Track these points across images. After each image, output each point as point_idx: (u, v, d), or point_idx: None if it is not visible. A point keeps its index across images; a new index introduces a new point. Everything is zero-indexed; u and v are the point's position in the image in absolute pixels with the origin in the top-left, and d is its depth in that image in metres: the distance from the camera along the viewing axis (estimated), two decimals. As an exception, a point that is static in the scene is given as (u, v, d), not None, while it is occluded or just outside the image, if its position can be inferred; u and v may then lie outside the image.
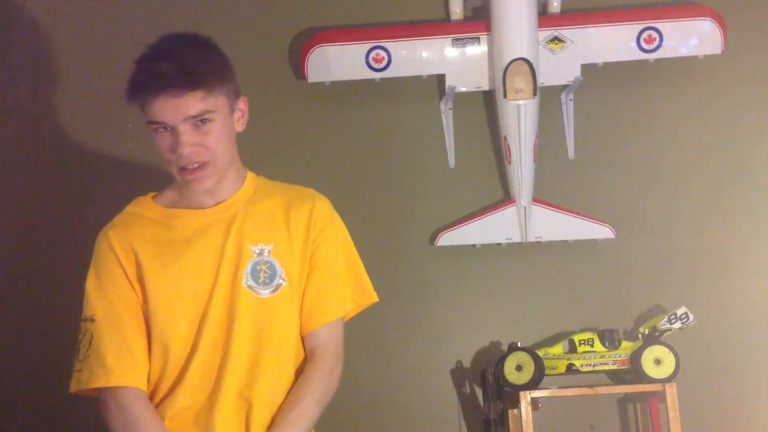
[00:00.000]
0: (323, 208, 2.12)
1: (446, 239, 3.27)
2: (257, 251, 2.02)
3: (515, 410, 3.04)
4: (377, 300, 2.18)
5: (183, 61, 1.94)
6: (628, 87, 3.38)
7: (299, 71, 3.30)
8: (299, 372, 2.06)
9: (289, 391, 2.02)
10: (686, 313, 3.05)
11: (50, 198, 3.36)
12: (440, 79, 3.34)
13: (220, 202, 2.06)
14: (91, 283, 2.03)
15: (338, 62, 3.28)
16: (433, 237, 3.30)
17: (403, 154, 3.40)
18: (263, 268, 2.02)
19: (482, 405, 3.17)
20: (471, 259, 3.33)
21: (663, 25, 3.25)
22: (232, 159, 2.07)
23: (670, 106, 3.39)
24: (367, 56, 3.28)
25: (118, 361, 1.97)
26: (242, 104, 2.07)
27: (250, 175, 2.13)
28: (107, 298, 2.01)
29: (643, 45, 3.26)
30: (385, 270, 3.32)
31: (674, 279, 3.32)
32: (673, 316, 3.05)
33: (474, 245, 3.30)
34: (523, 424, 2.98)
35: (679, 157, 3.37)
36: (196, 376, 1.97)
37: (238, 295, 1.99)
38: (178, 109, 1.93)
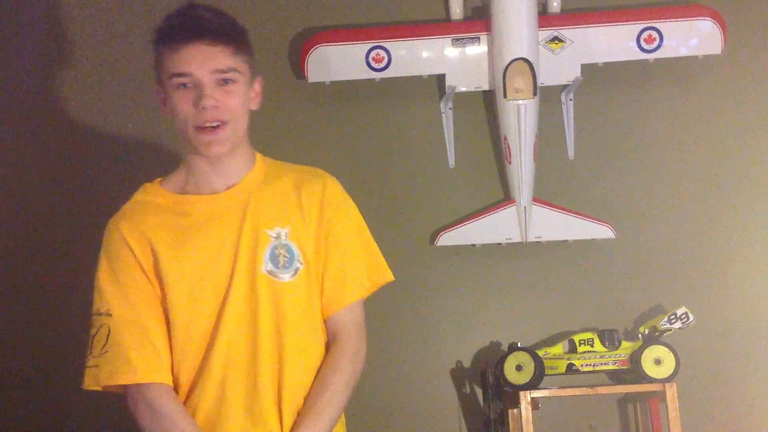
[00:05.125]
0: (335, 188, 2.10)
1: (446, 239, 3.27)
2: (274, 235, 2.00)
3: (515, 410, 3.04)
4: (393, 279, 2.14)
5: (220, 14, 1.98)
6: (628, 87, 3.38)
7: (299, 71, 3.30)
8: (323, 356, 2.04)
9: (315, 376, 2.00)
10: (686, 313, 3.05)
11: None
12: (440, 79, 3.34)
13: (231, 186, 2.03)
14: (104, 276, 1.99)
15: (338, 62, 3.28)
16: (433, 237, 3.30)
17: (403, 154, 3.40)
18: (282, 252, 1.99)
19: (482, 405, 3.17)
20: (471, 259, 3.33)
21: (663, 25, 3.25)
22: (245, 133, 2.05)
23: (670, 106, 3.39)
24: (367, 56, 3.28)
25: (142, 357, 1.94)
26: (258, 85, 2.06)
27: (259, 156, 2.11)
28: (124, 291, 1.97)
29: (643, 45, 3.26)
30: (385, 270, 3.33)
31: (674, 279, 3.32)
32: (673, 316, 3.05)
33: (474, 245, 3.30)
34: (523, 424, 2.98)
35: (679, 156, 3.37)
36: (220, 366, 1.94)
37: (258, 281, 1.97)
38: (209, 59, 1.93)
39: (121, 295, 1.97)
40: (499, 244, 3.29)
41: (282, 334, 1.97)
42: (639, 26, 3.26)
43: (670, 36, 3.25)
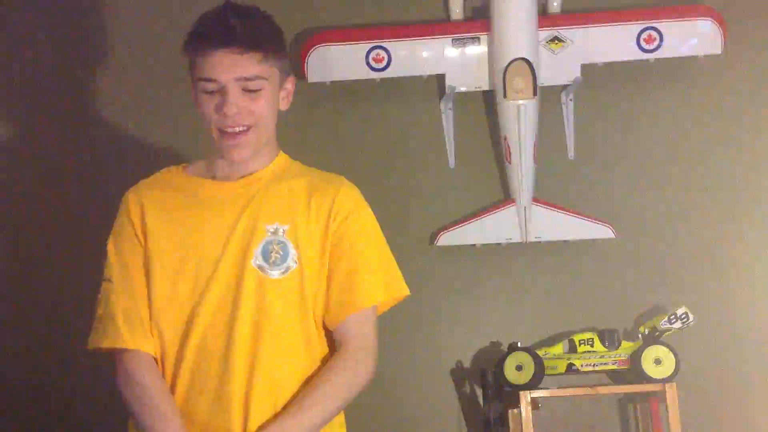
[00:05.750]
0: (348, 196, 2.06)
1: (446, 239, 3.27)
2: (272, 230, 1.98)
3: (515, 410, 3.04)
4: (408, 293, 2.10)
5: (249, 21, 1.97)
6: (628, 87, 3.38)
7: (299, 71, 3.30)
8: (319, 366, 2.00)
9: (307, 380, 1.96)
10: (686, 313, 3.05)
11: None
12: (440, 79, 3.34)
13: (244, 176, 2.04)
14: (111, 244, 2.04)
15: (338, 62, 3.28)
16: (433, 237, 3.30)
17: (403, 154, 3.40)
18: (276, 248, 1.97)
19: (482, 405, 3.17)
20: (471, 259, 3.33)
21: (663, 25, 3.25)
22: (271, 135, 2.05)
23: (670, 106, 3.39)
24: (367, 56, 3.28)
25: (128, 324, 1.95)
26: (290, 84, 2.07)
27: (283, 155, 2.11)
28: (123, 259, 2.01)
29: (643, 45, 3.26)
30: (385, 270, 3.33)
31: (674, 279, 3.32)
32: (673, 316, 3.05)
33: (474, 245, 3.30)
34: (523, 424, 2.98)
35: (679, 156, 3.38)
36: (194, 350, 1.93)
37: (245, 274, 1.94)
38: (235, 67, 1.93)
39: (121, 263, 2.00)
40: (499, 244, 3.29)
41: (261, 330, 1.93)
42: (639, 26, 3.26)
43: (670, 36, 3.25)
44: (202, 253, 1.96)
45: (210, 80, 1.94)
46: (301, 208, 2.01)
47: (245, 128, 1.97)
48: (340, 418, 2.03)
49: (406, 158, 3.40)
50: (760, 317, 3.31)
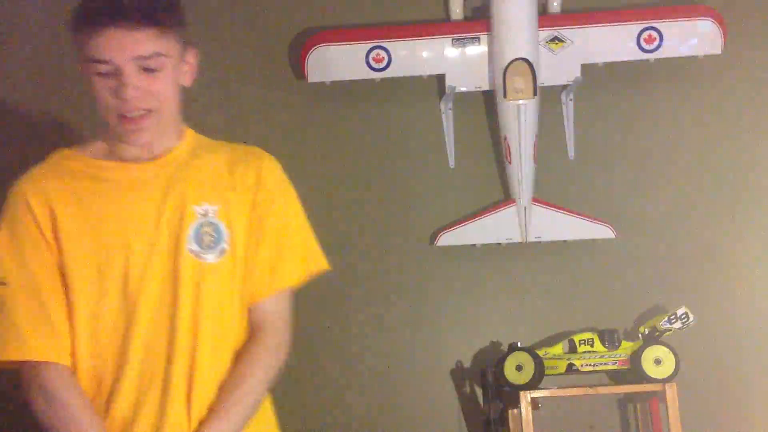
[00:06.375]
0: (272, 167, 1.93)
1: (446, 239, 3.27)
2: (201, 212, 1.84)
3: (515, 410, 3.04)
4: (328, 267, 1.96)
5: None
6: (628, 87, 3.38)
7: (299, 71, 3.31)
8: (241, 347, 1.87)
9: (233, 368, 1.83)
10: (686, 313, 3.05)
11: None
12: (440, 79, 3.34)
13: (157, 157, 1.86)
14: (2, 242, 1.81)
15: (338, 62, 3.28)
16: (433, 237, 3.30)
17: (403, 154, 3.40)
18: (208, 230, 1.83)
19: (482, 405, 3.17)
20: (471, 259, 3.33)
21: (663, 25, 3.25)
22: (175, 114, 1.87)
23: (670, 106, 3.39)
24: (367, 56, 3.28)
25: (36, 333, 1.76)
26: (191, 57, 1.88)
27: (190, 131, 1.94)
28: (23, 260, 1.79)
29: (643, 45, 3.26)
30: (385, 270, 3.33)
31: (674, 279, 3.32)
32: (673, 316, 3.05)
33: (474, 245, 3.30)
34: (523, 424, 2.98)
35: (679, 156, 3.38)
36: (138, 356, 1.78)
37: (181, 262, 1.80)
38: (130, 45, 1.74)
39: (20, 263, 1.80)
40: (499, 244, 3.29)
41: (198, 321, 1.80)
42: (639, 26, 3.26)
43: (670, 36, 3.25)
44: (128, 244, 1.79)
45: (102, 61, 1.75)
46: (227, 186, 1.88)
47: (146, 111, 1.79)
48: (269, 407, 1.92)
49: (406, 158, 3.40)
50: (760, 317, 3.31)
